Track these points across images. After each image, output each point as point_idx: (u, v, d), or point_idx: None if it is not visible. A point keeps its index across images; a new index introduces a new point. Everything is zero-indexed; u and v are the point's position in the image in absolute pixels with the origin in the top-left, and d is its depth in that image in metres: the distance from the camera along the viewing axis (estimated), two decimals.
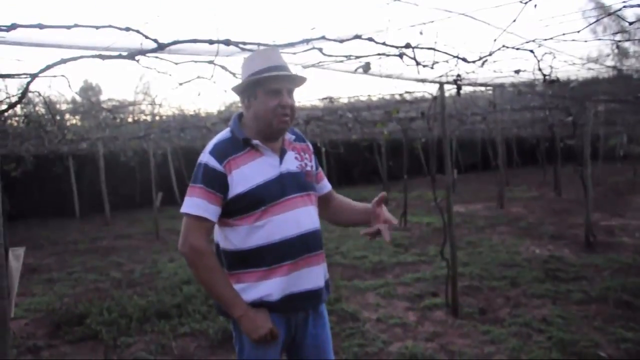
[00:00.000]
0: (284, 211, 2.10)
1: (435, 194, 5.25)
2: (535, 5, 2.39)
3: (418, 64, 2.81)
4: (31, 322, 5.40)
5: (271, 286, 2.08)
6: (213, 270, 2.06)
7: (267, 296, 2.08)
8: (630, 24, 2.43)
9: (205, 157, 2.09)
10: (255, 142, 2.12)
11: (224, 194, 2.06)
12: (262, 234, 2.07)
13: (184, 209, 2.08)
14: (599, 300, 5.15)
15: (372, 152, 19.94)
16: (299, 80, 2.19)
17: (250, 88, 2.13)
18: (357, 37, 2.56)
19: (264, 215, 2.07)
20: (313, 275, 2.16)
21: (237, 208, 2.08)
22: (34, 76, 2.37)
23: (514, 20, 2.41)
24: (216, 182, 2.05)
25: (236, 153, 2.10)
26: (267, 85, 2.09)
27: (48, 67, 2.24)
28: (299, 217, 2.12)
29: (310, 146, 2.38)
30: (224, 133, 2.18)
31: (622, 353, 3.95)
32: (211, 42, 2.42)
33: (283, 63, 2.15)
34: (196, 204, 2.05)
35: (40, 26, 2.09)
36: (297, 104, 2.31)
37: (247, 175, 2.08)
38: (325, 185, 2.42)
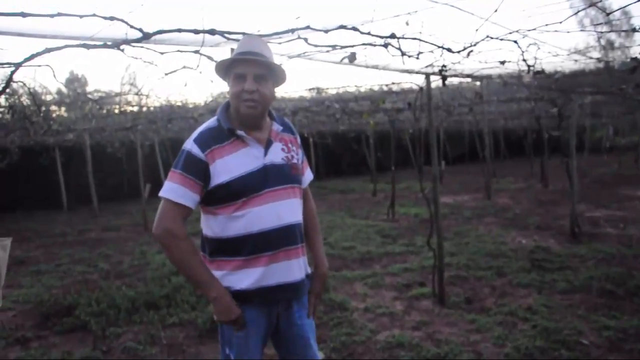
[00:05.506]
0: (264, 203, 2.09)
1: (422, 185, 5.29)
2: None
3: (403, 54, 2.83)
4: (19, 313, 5.38)
5: (247, 276, 2.09)
6: (186, 252, 2.06)
7: (242, 286, 2.10)
8: (608, 14, 2.46)
9: (189, 145, 2.09)
10: (240, 132, 2.11)
11: (204, 182, 2.06)
12: (241, 224, 2.08)
13: (162, 192, 2.08)
14: (582, 289, 5.22)
15: (359, 143, 19.95)
16: (272, 68, 2.13)
17: (225, 74, 2.15)
18: (342, 27, 2.57)
19: (244, 206, 2.07)
20: (291, 268, 2.15)
21: (218, 197, 2.08)
22: (18, 65, 2.36)
23: (495, 10, 2.44)
24: (196, 170, 2.05)
25: (220, 143, 2.09)
26: (234, 70, 2.09)
27: (33, 57, 2.24)
28: (279, 210, 2.12)
29: (299, 138, 2.36)
30: (211, 122, 2.18)
31: (604, 341, 4.02)
32: (196, 31, 2.42)
33: (257, 50, 2.10)
34: (174, 189, 2.06)
35: (23, 14, 2.08)
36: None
37: (230, 165, 2.07)
38: (304, 180, 2.36)
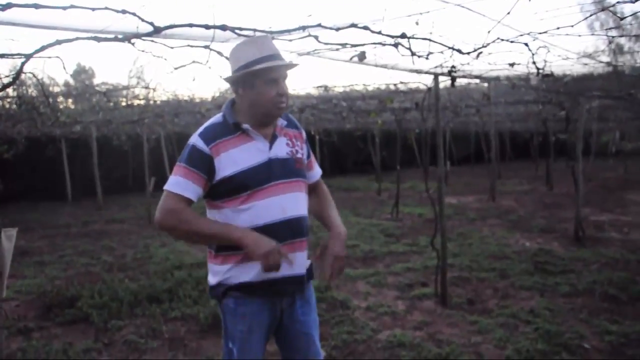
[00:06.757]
0: (269, 196, 2.11)
1: (427, 185, 5.29)
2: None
3: (413, 54, 2.82)
4: (22, 303, 5.41)
5: (252, 269, 2.10)
6: (193, 220, 2.06)
7: (246, 279, 2.11)
8: (622, 19, 2.45)
9: (194, 139, 2.12)
10: (246, 126, 2.13)
11: (208, 175, 2.08)
12: (246, 217, 2.09)
13: (166, 185, 2.10)
14: (585, 293, 5.21)
15: (365, 142, 19.93)
16: (291, 67, 2.21)
17: (247, 78, 2.12)
18: (353, 25, 2.56)
19: (249, 199, 2.09)
20: (296, 261, 2.16)
21: (223, 190, 2.10)
22: (28, 57, 2.37)
23: (508, 13, 2.43)
24: (200, 163, 2.07)
25: (226, 137, 2.12)
26: (265, 75, 2.09)
27: (43, 48, 2.24)
28: (284, 203, 2.13)
29: (303, 133, 2.38)
30: (216, 117, 2.21)
31: (605, 345, 4.01)
32: (207, 27, 2.42)
33: (277, 51, 2.15)
34: (177, 182, 2.08)
35: (36, 6, 2.09)
36: (291, 92, 2.33)
37: (235, 159, 2.09)
38: (314, 175, 2.42)
